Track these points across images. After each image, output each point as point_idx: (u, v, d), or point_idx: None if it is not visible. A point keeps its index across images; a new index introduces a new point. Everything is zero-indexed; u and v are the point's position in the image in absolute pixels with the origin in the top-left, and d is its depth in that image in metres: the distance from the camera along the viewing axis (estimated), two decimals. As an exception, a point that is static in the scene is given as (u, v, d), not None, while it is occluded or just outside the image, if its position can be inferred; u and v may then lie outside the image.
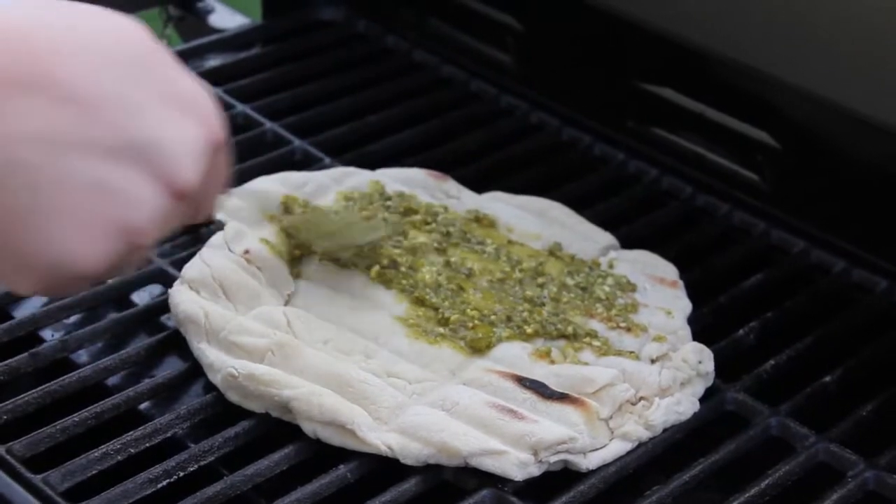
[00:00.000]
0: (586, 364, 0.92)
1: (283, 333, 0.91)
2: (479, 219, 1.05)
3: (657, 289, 1.01)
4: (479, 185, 1.12)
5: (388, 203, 1.05)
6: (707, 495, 0.88)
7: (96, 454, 0.84)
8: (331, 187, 1.07)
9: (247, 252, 0.97)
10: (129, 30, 0.65)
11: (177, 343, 0.95)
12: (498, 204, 1.08)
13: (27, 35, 0.61)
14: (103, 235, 0.63)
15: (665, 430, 0.90)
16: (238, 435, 0.88)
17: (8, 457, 0.84)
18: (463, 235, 1.03)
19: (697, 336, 0.97)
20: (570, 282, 1.00)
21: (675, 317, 0.98)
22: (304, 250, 0.99)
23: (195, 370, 0.92)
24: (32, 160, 0.60)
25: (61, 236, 0.62)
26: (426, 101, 1.26)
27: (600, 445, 0.87)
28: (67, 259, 0.62)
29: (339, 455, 0.86)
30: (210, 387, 0.91)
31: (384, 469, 0.86)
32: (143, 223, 0.64)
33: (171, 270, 1.00)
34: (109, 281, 1.01)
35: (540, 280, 0.99)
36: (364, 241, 0.98)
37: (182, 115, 0.64)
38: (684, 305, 1.00)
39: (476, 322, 0.94)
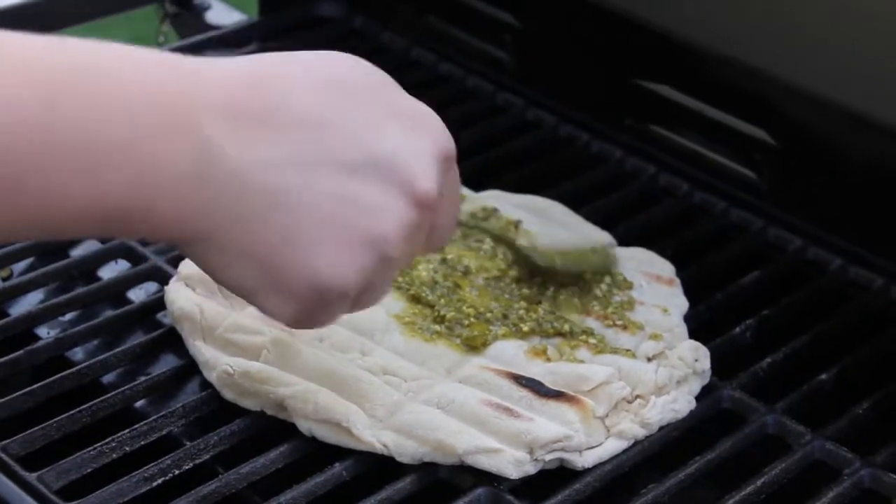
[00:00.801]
0: (582, 362, 0.92)
1: (279, 331, 0.91)
2: (484, 208, 1.05)
3: (654, 286, 1.01)
4: (476, 181, 1.12)
5: None
6: (703, 493, 0.88)
7: (91, 452, 0.84)
8: (327, 185, 1.07)
9: (243, 249, 0.97)
10: (351, 63, 0.71)
11: (172, 340, 0.94)
12: (496, 202, 1.08)
13: (263, 78, 0.66)
14: (356, 247, 0.66)
15: (661, 429, 0.90)
16: (233, 433, 0.88)
17: (2, 455, 0.83)
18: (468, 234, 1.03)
19: (694, 334, 0.97)
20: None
21: (672, 314, 0.98)
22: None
23: (191, 368, 0.92)
24: (283, 183, 0.65)
25: (317, 252, 0.66)
26: (423, 98, 1.25)
27: (596, 444, 0.87)
28: (325, 274, 0.66)
29: (335, 453, 0.86)
30: (205, 384, 0.91)
31: (380, 467, 0.86)
32: (391, 232, 0.67)
33: (167, 268, 1.00)
34: (105, 279, 1.02)
35: (536, 278, 0.99)
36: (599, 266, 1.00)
37: (412, 129, 0.69)
38: (681, 303, 1.00)
39: (472, 320, 0.94)
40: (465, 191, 1.10)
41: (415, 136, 0.69)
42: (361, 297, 0.70)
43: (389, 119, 0.68)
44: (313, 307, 0.68)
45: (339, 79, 0.69)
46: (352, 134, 0.67)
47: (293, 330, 0.92)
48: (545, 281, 0.98)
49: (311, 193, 0.65)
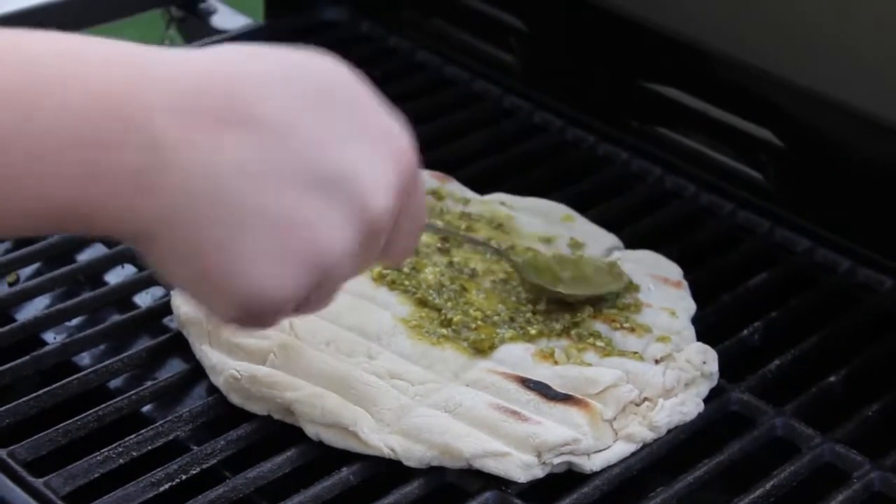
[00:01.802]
0: (590, 365, 0.91)
1: (286, 335, 0.91)
2: (500, 225, 1.05)
3: (661, 289, 1.00)
4: (482, 185, 1.12)
5: None
6: (712, 496, 0.88)
7: (98, 457, 0.84)
8: (333, 188, 1.07)
9: (249, 254, 0.97)
10: (326, 67, 0.67)
11: (179, 345, 0.94)
12: (502, 206, 1.08)
13: (225, 75, 0.64)
14: (296, 262, 0.64)
15: (669, 432, 0.90)
16: (240, 437, 0.87)
17: (9, 460, 0.83)
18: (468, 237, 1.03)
19: (701, 336, 0.97)
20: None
21: (679, 317, 0.98)
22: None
23: (197, 372, 0.92)
24: (233, 189, 0.62)
25: (254, 263, 0.64)
26: (429, 102, 1.26)
27: (604, 447, 0.87)
28: (259, 285, 0.64)
29: (342, 457, 0.86)
30: (212, 389, 0.91)
31: (387, 471, 0.85)
32: (335, 254, 0.65)
33: (174, 272, 1.00)
34: (112, 284, 1.02)
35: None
36: (605, 291, 0.97)
37: (373, 148, 0.66)
38: (688, 305, 0.99)
39: (479, 323, 0.94)
40: (471, 194, 1.10)
41: (379, 155, 0.66)
42: (303, 307, 0.68)
43: (355, 134, 0.66)
44: (251, 313, 0.66)
45: (309, 83, 0.66)
46: (314, 145, 0.64)
47: (299, 334, 0.92)
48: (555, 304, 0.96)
49: (258, 202, 0.63)
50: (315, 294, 0.67)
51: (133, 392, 0.90)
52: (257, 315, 0.66)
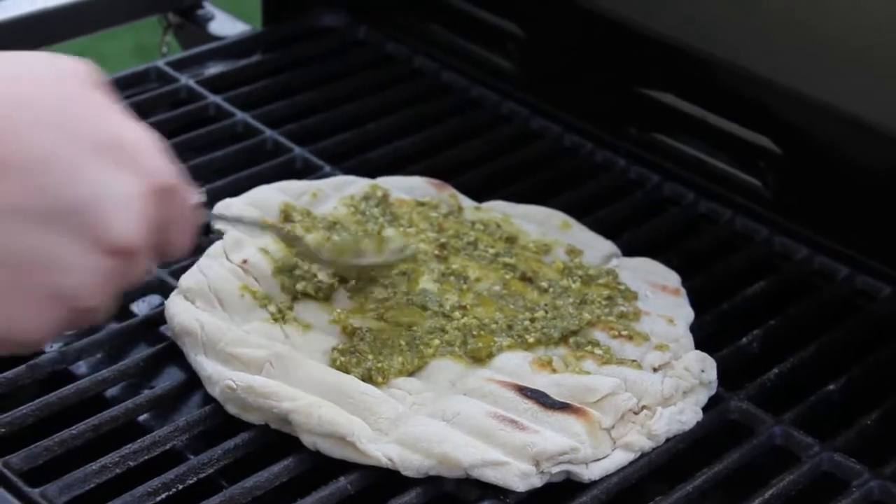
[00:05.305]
0: (588, 373, 0.91)
1: (281, 344, 0.91)
2: (509, 238, 1.04)
3: (659, 296, 1.00)
4: (480, 192, 1.11)
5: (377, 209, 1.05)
6: (711, 505, 0.88)
7: (94, 467, 0.84)
8: (331, 195, 1.07)
9: (245, 262, 0.97)
10: (63, 76, 0.64)
11: (176, 353, 0.94)
12: (497, 213, 1.08)
13: None
14: (38, 305, 0.63)
15: (668, 440, 0.90)
16: (237, 447, 0.87)
17: (5, 470, 0.83)
18: (472, 244, 1.02)
19: (700, 344, 0.97)
20: (571, 290, 0.99)
21: (678, 325, 0.97)
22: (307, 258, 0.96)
23: (194, 381, 0.92)
24: None
25: (3, 311, 0.62)
26: (427, 108, 1.26)
27: (602, 456, 0.87)
28: (7, 331, 0.63)
29: (340, 467, 0.86)
30: (209, 398, 0.90)
31: (385, 481, 0.85)
32: (80, 288, 0.63)
33: (171, 280, 1.00)
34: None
35: (541, 288, 0.99)
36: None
37: (117, 166, 0.63)
38: (686, 313, 0.99)
39: (477, 331, 0.94)
40: (468, 202, 1.09)
41: (118, 176, 0.62)
42: (60, 334, 0.66)
43: (89, 155, 0.62)
44: (6, 349, 0.65)
45: (46, 103, 0.62)
46: (46, 180, 0.61)
47: (296, 343, 0.91)
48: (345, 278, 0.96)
49: None
50: (79, 319, 0.65)
51: (129, 401, 0.90)
52: (14, 350, 0.65)
